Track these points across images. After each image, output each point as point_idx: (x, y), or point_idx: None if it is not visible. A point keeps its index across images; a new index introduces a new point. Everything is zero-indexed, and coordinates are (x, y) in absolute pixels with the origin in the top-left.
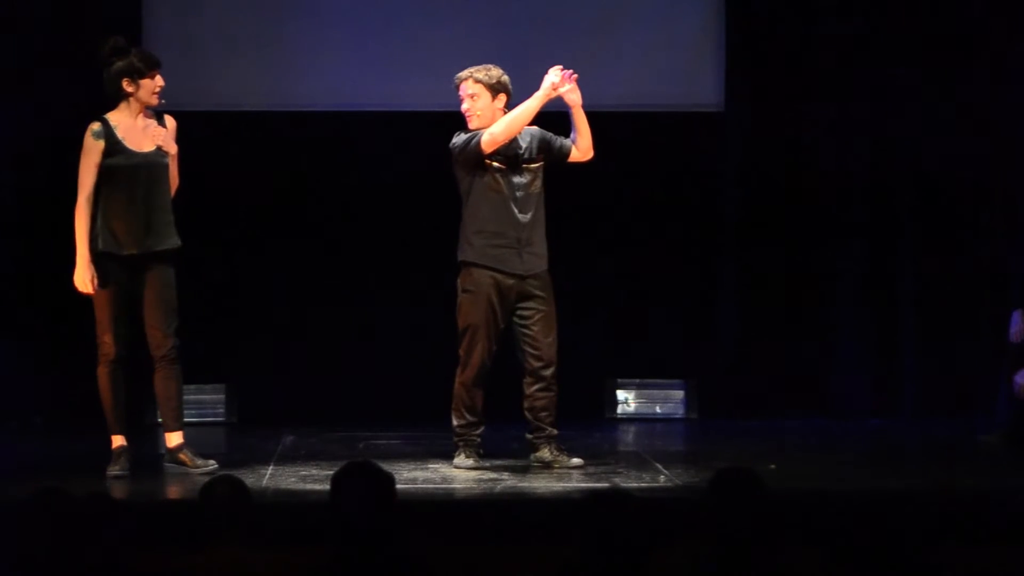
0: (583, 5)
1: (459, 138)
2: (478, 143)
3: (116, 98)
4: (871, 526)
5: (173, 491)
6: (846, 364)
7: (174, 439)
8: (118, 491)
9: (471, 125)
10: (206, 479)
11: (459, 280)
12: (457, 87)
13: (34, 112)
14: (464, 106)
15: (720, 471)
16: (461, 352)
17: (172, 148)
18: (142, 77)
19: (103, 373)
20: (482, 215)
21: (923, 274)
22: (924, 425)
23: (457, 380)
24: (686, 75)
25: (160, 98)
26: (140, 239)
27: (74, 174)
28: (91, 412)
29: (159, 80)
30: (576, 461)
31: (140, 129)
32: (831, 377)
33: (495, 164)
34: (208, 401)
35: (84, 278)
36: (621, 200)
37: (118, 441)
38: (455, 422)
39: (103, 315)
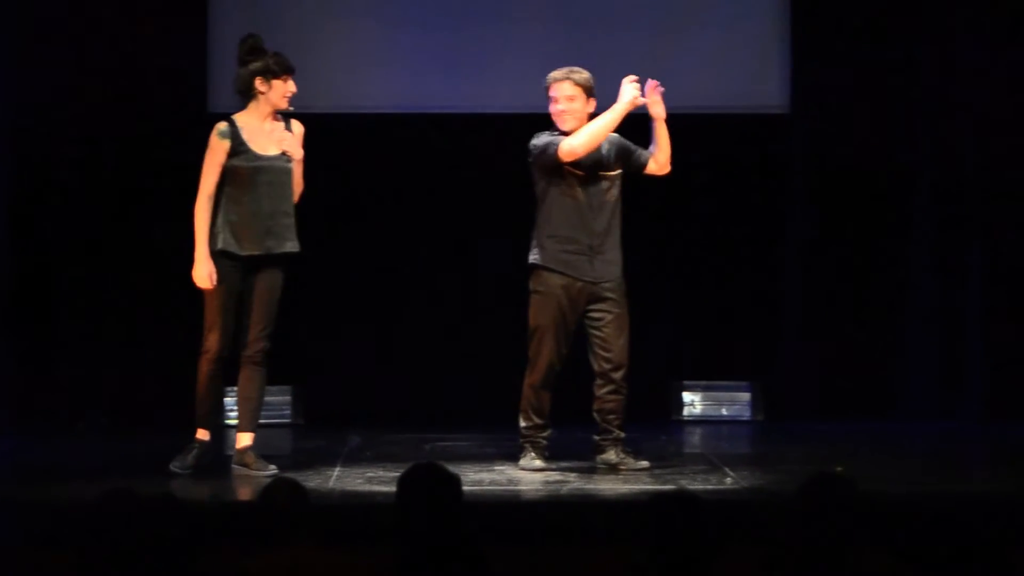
0: (648, 6)
1: (539, 140)
2: (556, 151)
3: (246, 97)
4: (940, 530)
5: (240, 492)
6: (914, 366)
7: (244, 440)
8: (180, 490)
9: (565, 127)
10: (268, 481)
11: (530, 282)
12: (548, 87)
13: (91, 109)
14: (560, 107)
15: (812, 476)
16: (530, 354)
17: (297, 154)
18: (275, 78)
19: (203, 369)
20: (556, 220)
21: (993, 275)
22: (993, 428)
23: (525, 382)
24: (752, 76)
25: (290, 104)
26: (260, 240)
27: (150, 171)
28: (157, 412)
29: (291, 85)
30: (643, 463)
31: (267, 132)
32: (899, 379)
33: (573, 170)
34: (274, 403)
35: (203, 274)
36: (687, 201)
37: (201, 435)
38: (522, 423)
39: (212, 313)
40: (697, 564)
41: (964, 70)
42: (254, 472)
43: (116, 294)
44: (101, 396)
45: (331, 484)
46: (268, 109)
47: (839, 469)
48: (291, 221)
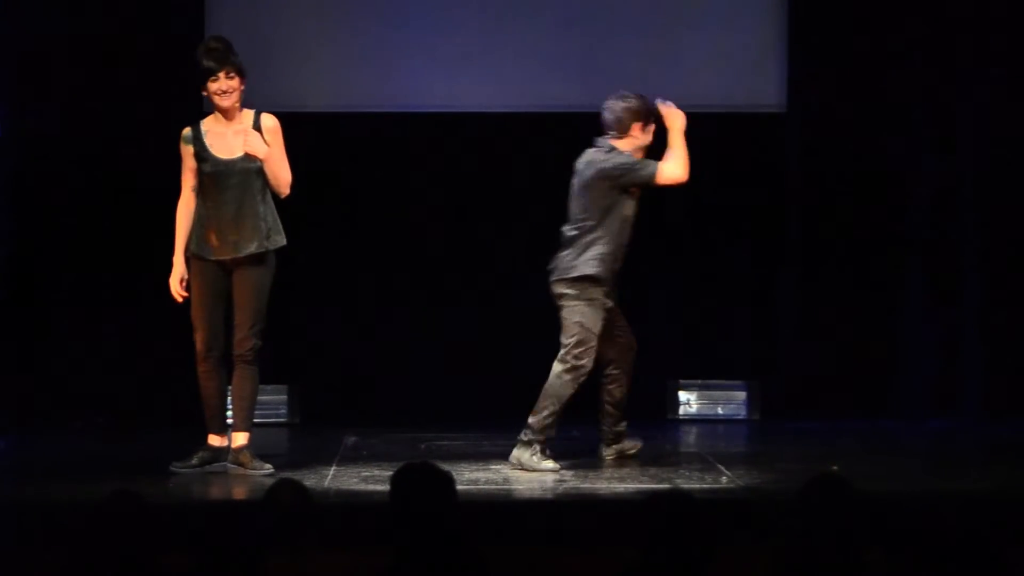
0: (647, 6)
1: (621, 158)
2: (652, 175)
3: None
4: (936, 528)
5: (236, 491)
6: (909, 365)
7: (239, 439)
8: (182, 488)
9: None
10: (268, 481)
11: (575, 290)
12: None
13: (96, 110)
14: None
15: (812, 477)
16: (571, 358)
17: (261, 151)
18: (206, 80)
19: (198, 372)
20: (615, 235)
21: (987, 274)
22: (988, 426)
23: (564, 381)
24: (749, 76)
25: (237, 101)
26: (228, 244)
27: (143, 167)
28: (157, 412)
29: (222, 83)
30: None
31: (229, 135)
32: (894, 378)
33: (636, 190)
34: (270, 402)
35: (172, 281)
36: (683, 200)
37: (212, 440)
38: (546, 422)
39: (194, 315)
40: (693, 563)
41: (962, 69)
42: (250, 471)
43: (115, 294)
44: (100, 396)
45: (327, 483)
46: (221, 111)
47: (835, 468)
48: (260, 221)
